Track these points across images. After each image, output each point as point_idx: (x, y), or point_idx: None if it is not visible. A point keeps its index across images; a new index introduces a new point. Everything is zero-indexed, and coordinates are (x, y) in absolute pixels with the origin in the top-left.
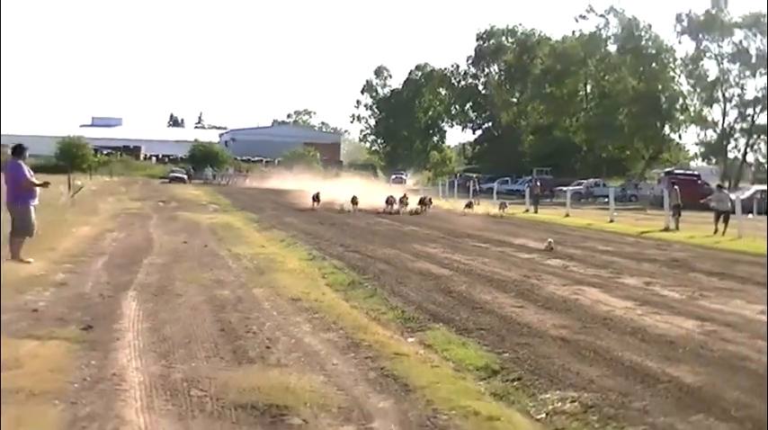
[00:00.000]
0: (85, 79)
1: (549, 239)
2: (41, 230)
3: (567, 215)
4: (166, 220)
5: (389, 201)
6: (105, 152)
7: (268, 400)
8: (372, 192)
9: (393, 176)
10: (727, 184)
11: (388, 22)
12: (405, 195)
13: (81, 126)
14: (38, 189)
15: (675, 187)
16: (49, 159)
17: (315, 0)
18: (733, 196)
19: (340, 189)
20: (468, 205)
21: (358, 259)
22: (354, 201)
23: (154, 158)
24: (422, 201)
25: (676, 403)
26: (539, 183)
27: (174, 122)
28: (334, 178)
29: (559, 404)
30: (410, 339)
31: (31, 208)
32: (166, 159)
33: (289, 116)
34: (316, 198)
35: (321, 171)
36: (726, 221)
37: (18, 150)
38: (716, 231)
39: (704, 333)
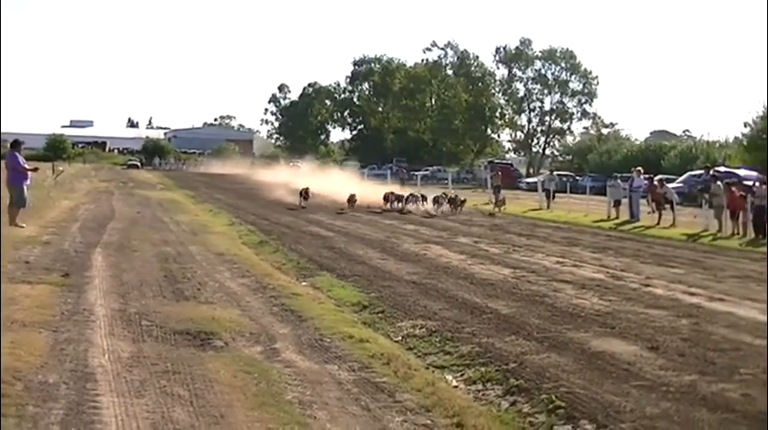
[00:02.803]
0: (66, 90)
1: None
2: (32, 203)
3: None
4: (125, 196)
5: (387, 198)
6: (80, 146)
7: (199, 328)
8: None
9: (291, 164)
10: (549, 171)
11: (290, 50)
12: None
13: (62, 126)
14: (30, 173)
15: (498, 172)
16: (38, 151)
17: (237, 33)
18: (534, 179)
19: (271, 176)
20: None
21: (266, 224)
22: (352, 199)
23: (116, 150)
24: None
25: (495, 328)
26: (405, 170)
27: (131, 124)
28: (250, 167)
29: (412, 329)
30: (303, 283)
31: (25, 187)
32: (125, 151)
33: (215, 119)
34: (304, 195)
35: (239, 161)
36: (551, 197)
37: (15, 144)
38: (548, 205)
39: (515, 277)
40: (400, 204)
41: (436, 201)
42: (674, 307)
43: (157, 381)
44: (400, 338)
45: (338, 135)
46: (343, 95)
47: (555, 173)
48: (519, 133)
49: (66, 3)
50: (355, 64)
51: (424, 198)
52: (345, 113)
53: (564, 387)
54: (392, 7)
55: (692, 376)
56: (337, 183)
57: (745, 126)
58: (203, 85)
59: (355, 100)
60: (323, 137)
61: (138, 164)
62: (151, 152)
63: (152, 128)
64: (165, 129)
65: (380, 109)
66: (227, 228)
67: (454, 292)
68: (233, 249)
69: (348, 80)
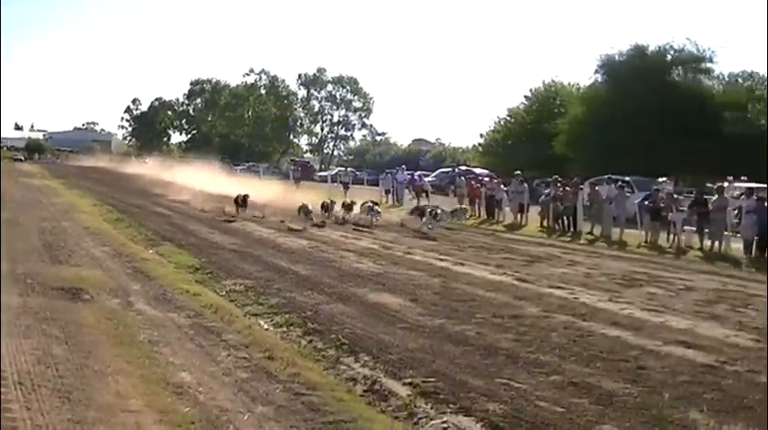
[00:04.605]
0: None
1: None
2: None
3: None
4: (12, 183)
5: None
6: None
7: (71, 285)
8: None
9: (140, 160)
10: (344, 167)
11: (142, 71)
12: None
13: None
14: None
15: (299, 168)
16: None
17: (101, 59)
18: (326, 173)
19: (126, 169)
20: None
21: (123, 206)
22: (306, 210)
23: (5, 148)
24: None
25: (296, 284)
26: (229, 164)
27: (17, 127)
28: (110, 162)
29: (233, 286)
30: (151, 251)
31: None
32: (12, 148)
33: (83, 124)
34: (241, 202)
35: (101, 157)
36: (347, 187)
37: None
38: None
39: (312, 247)
40: (348, 213)
41: (432, 214)
42: (429, 269)
43: (40, 326)
44: (225, 293)
45: (177, 138)
46: (181, 108)
47: (349, 169)
48: (314, 138)
49: None
50: (192, 84)
51: (376, 204)
52: (183, 121)
53: (348, 329)
54: (221, 41)
55: (441, 320)
56: (185, 175)
57: (481, 137)
58: (74, 98)
59: (191, 111)
60: (165, 139)
61: (22, 158)
62: (33, 149)
63: (34, 131)
64: (43, 131)
65: (210, 119)
66: (91, 208)
67: (265, 258)
68: (96, 224)
69: (186, 96)
